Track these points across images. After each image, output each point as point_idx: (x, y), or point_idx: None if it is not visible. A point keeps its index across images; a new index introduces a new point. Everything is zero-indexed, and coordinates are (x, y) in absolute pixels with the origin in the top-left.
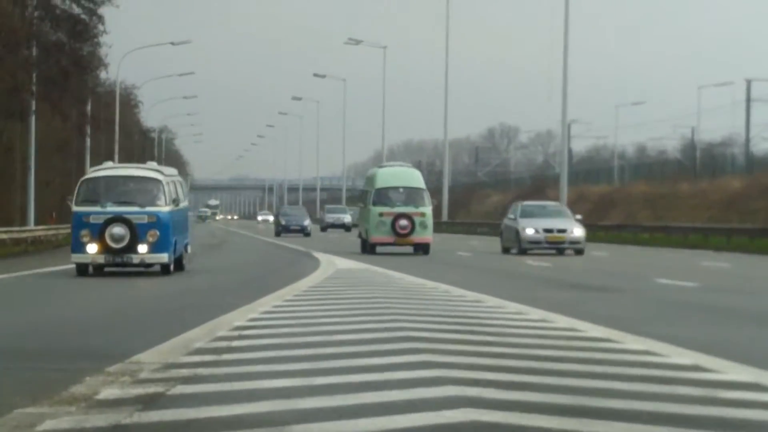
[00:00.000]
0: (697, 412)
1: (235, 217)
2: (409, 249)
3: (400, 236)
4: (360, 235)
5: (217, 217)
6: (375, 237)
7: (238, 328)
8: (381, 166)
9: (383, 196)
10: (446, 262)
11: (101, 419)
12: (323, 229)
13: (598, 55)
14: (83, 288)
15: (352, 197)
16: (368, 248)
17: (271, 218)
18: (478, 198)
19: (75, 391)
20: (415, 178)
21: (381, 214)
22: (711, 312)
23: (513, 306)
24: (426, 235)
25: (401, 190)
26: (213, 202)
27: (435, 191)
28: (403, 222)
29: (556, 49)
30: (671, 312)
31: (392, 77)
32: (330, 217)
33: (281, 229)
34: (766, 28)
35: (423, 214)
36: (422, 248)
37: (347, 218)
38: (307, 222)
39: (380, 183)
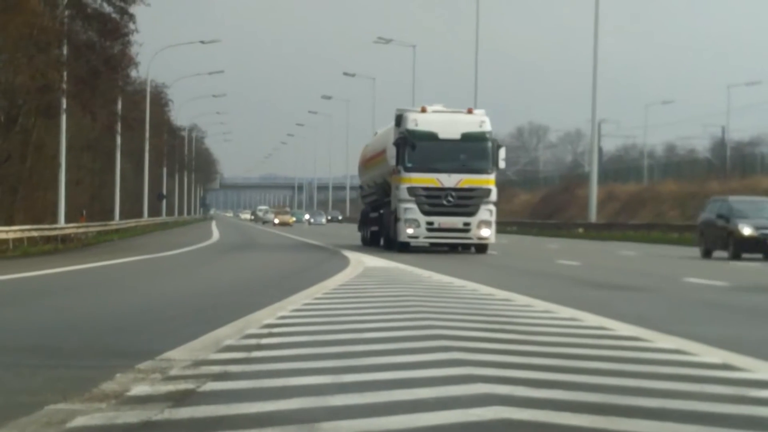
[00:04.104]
0: (727, 411)
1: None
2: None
3: None
4: None
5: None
6: None
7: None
8: None
9: None
10: (474, 261)
11: (132, 416)
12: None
13: (627, 54)
14: (114, 285)
15: None
16: None
17: None
18: (507, 197)
19: (106, 387)
20: None
21: None
22: (741, 311)
23: (542, 304)
24: None
25: None
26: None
27: None
28: None
29: (585, 49)
30: (701, 311)
31: (421, 76)
32: None
33: None
34: None
35: None
36: None
37: None
38: None
39: None
